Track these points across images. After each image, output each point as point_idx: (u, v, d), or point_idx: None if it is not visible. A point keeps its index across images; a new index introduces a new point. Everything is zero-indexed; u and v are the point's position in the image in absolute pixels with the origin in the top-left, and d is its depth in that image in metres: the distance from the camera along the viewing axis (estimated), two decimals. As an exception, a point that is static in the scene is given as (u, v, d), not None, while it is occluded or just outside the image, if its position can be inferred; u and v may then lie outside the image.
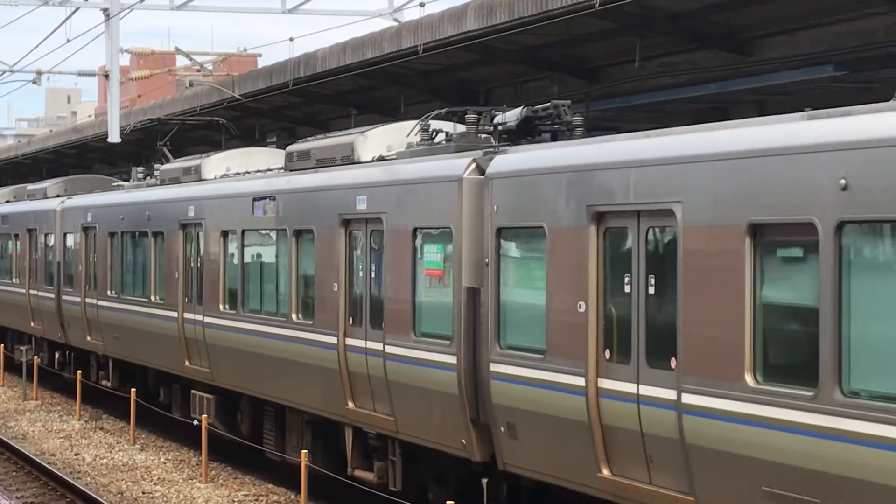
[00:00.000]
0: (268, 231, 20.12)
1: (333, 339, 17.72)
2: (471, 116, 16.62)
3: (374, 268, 16.94)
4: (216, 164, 24.24)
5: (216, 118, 28.11)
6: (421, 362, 15.72)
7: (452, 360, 15.13)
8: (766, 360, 10.99)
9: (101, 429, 27.63)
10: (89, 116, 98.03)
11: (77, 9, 31.41)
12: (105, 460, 23.89)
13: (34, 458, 23.31)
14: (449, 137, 16.99)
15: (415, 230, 16.03)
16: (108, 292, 27.56)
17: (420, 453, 16.42)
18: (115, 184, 31.51)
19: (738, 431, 11.08)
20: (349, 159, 18.44)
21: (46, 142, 46.87)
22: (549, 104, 15.91)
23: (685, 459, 11.75)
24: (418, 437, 16.03)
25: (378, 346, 16.64)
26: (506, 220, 14.47)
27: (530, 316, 14.02)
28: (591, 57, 22.71)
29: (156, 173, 27.24)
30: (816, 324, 10.37)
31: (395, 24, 26.17)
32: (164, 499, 20.43)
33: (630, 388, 12.51)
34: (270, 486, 21.25)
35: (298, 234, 18.99)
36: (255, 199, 20.41)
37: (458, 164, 15.35)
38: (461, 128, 17.05)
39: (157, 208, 25.11)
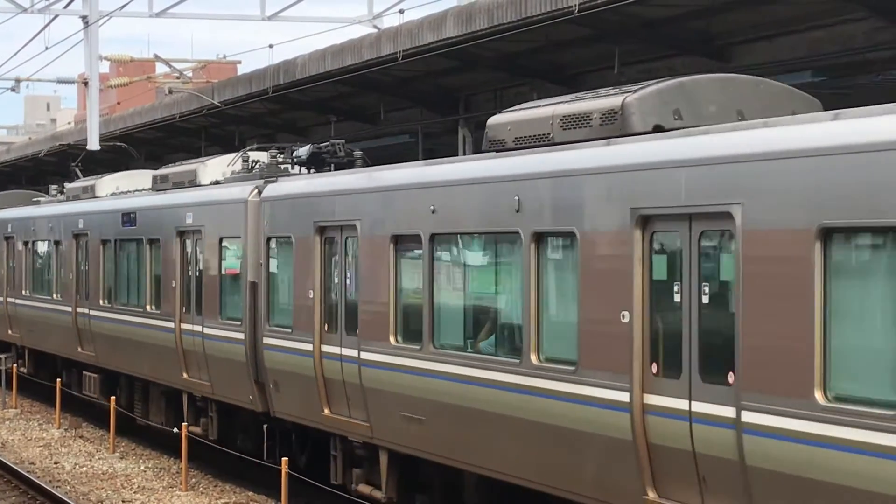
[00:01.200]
0: (132, 239, 25.10)
1: (171, 324, 22.89)
2: (273, 151, 21.51)
3: (197, 269, 22.07)
4: (108, 184, 28.87)
5: (119, 143, 32.58)
6: (224, 339, 20.77)
7: (241, 336, 20.13)
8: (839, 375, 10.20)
9: (81, 437, 27.55)
10: (69, 124, 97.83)
11: (56, 16, 31.33)
12: (85, 468, 23.82)
13: (13, 466, 23.24)
14: (252, 167, 21.67)
15: (220, 239, 21.06)
16: (24, 291, 32.67)
17: (229, 410, 21.43)
18: (35, 199, 35.10)
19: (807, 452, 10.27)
20: (193, 183, 23.30)
21: (25, 149, 46.78)
22: (328, 143, 20.34)
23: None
24: (224, 397, 21.09)
25: (198, 328, 21.76)
26: (271, 231, 19.31)
27: (287, 303, 18.80)
28: (571, 63, 22.75)
29: (64, 191, 31.53)
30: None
31: (375, 30, 26.19)
32: (145, 507, 20.39)
33: (339, 351, 17.10)
34: (251, 493, 21.21)
35: (151, 242, 24.05)
36: (122, 214, 25.51)
37: (245, 190, 20.26)
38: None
39: (56, 221, 30.10)
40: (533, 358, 13.42)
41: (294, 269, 18.43)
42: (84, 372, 28.23)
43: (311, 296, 17.85)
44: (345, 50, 23.94)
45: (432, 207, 15.15)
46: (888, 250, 9.75)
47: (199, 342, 21.63)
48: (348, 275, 17.26)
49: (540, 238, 13.43)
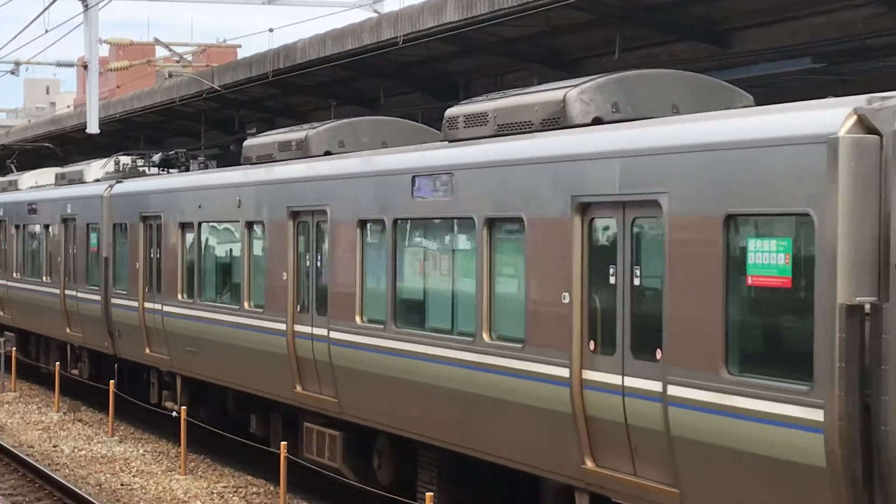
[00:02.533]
0: (35, 224, 31.83)
1: (57, 291, 29.69)
2: (135, 157, 28.77)
3: (74, 248, 28.55)
4: (28, 178, 35.26)
5: (46, 144, 37.81)
6: (89, 301, 27.34)
7: (99, 298, 26.66)
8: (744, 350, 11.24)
9: (80, 420, 27.58)
10: (68, 107, 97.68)
11: (56, -1, 31.28)
12: (84, 452, 23.85)
13: (12, 450, 23.25)
14: (122, 169, 28.47)
15: (88, 225, 27.58)
16: None
17: (98, 355, 28.15)
18: None
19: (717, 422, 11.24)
20: (81, 180, 29.72)
21: (25, 132, 46.72)
22: (174, 152, 27.47)
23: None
24: (91, 345, 27.86)
25: (74, 293, 28.47)
26: (118, 218, 26.02)
27: (124, 273, 25.47)
28: (571, 48, 22.72)
29: None
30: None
31: (375, 15, 26.15)
32: (143, 491, 20.41)
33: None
34: (249, 477, 21.24)
35: (46, 227, 30.65)
36: (27, 205, 32.37)
37: (102, 187, 26.95)
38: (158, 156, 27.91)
39: None
40: (485, 336, 14.26)
41: (129, 248, 25.28)
42: (5, 332, 34.33)
43: (138, 267, 24.63)
44: (345, 34, 23.90)
45: (238, 200, 20.68)
46: (777, 237, 10.75)
47: (75, 304, 28.29)
48: (159, 252, 23.91)
49: (491, 223, 14.30)
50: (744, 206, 10.96)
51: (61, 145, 44.51)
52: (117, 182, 26.61)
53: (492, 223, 14.31)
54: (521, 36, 22.16)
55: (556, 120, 13.99)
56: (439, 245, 15.60)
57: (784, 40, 19.29)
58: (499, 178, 14.19)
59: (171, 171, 27.02)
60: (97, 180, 28.61)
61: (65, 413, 28.56)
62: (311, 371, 18.18)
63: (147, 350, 24.24)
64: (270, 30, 49.76)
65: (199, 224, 22.06)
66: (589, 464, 12.84)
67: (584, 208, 12.89)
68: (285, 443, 18.33)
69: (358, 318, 16.94)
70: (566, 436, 13.09)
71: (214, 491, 20.35)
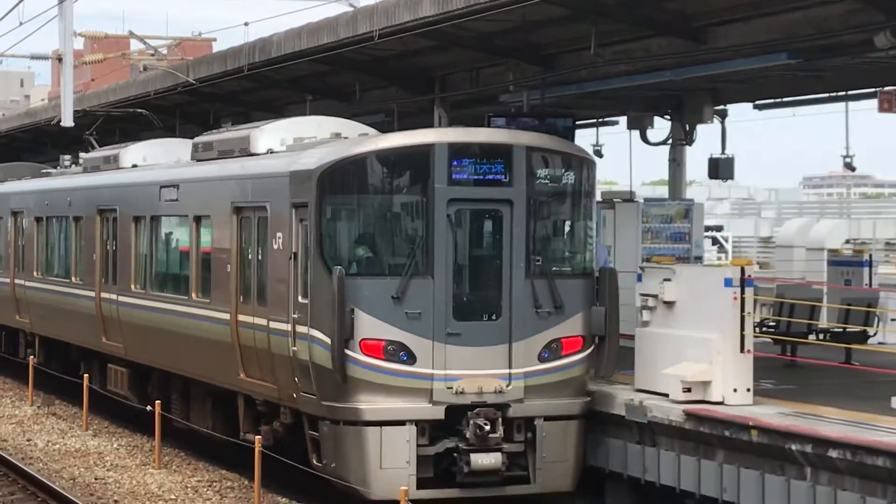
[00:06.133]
0: None
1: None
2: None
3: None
4: None
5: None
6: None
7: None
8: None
9: (54, 415, 27.50)
10: (42, 100, 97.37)
11: (30, -8, 31.14)
12: (57, 446, 23.78)
13: (-14, 443, 23.18)
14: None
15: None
16: None
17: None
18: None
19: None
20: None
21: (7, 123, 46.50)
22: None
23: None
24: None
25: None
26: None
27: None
28: (547, 43, 22.72)
29: None
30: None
31: (351, 9, 26.06)
32: (117, 485, 20.36)
33: None
34: (224, 471, 21.21)
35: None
36: None
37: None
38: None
39: None
40: (193, 296, 21.45)
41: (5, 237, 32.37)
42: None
43: (10, 252, 31.55)
44: (321, 28, 23.84)
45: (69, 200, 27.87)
46: (255, 225, 19.36)
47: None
48: (21, 241, 30.44)
49: (198, 219, 21.39)
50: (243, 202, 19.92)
51: (35, 138, 44.34)
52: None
53: (198, 219, 21.34)
54: (498, 31, 22.14)
55: (246, 150, 20.61)
56: (176, 233, 22.80)
57: (760, 36, 19.32)
58: (199, 189, 21.50)
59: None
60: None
61: (38, 407, 28.47)
62: (111, 326, 25.05)
63: (17, 317, 31.32)
64: (246, 24, 49.56)
65: (46, 218, 29.50)
66: (242, 375, 19.55)
67: (238, 209, 19.86)
68: (259, 437, 18.30)
69: (133, 286, 23.99)
70: (229, 357, 19.77)
71: (189, 485, 20.31)
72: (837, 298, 23.11)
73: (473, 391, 17.14)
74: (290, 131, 20.40)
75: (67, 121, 30.41)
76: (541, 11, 19.92)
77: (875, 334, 22.70)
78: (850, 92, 24.40)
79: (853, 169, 24.57)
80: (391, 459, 16.91)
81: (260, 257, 19.04)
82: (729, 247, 57.65)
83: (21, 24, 33.93)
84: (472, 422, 17.02)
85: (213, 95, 31.98)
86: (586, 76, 23.09)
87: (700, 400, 17.45)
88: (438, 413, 17.06)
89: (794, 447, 15.75)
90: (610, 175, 66.18)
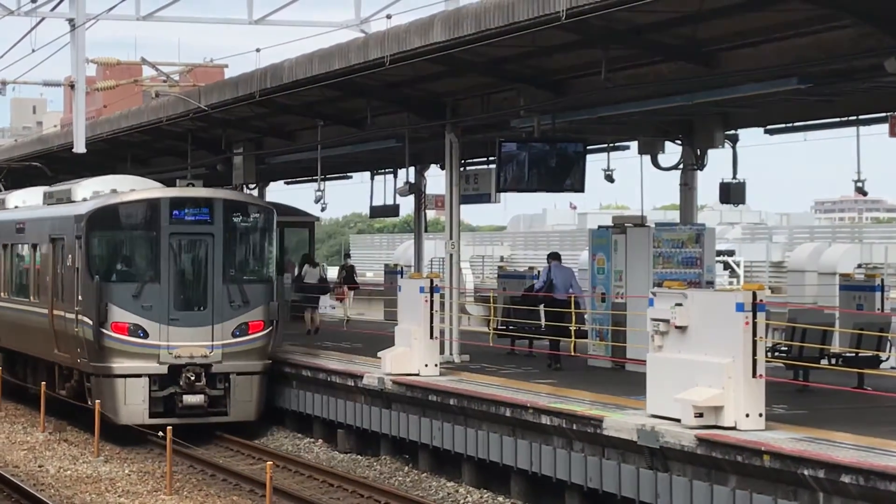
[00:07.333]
0: None
1: None
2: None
3: None
4: None
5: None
6: None
7: None
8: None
9: (66, 441, 27.47)
10: (55, 127, 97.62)
11: (42, 19, 31.24)
12: (69, 472, 23.76)
13: (-3, 469, 23.16)
14: None
15: None
16: None
17: None
18: None
19: None
20: None
21: (11, 152, 46.66)
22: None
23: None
24: None
25: None
26: None
27: None
28: (558, 69, 22.76)
29: None
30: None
31: (362, 35, 26.15)
32: (129, 511, 20.32)
33: None
34: (235, 497, 21.18)
35: None
36: None
37: None
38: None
39: None
40: (31, 298, 30.20)
41: None
42: None
43: None
44: (332, 54, 23.91)
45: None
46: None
47: None
48: None
49: (35, 246, 30.23)
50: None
51: (49, 164, 44.52)
52: None
53: (34, 246, 30.29)
54: (509, 56, 22.19)
55: (70, 198, 29.38)
56: (25, 255, 31.46)
57: (770, 61, 19.34)
58: (37, 225, 30.20)
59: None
60: None
61: (50, 433, 28.46)
62: None
63: None
64: (258, 50, 49.64)
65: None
66: (56, 351, 28.33)
67: (53, 239, 28.66)
68: (270, 463, 18.28)
69: (2, 293, 32.92)
70: (49, 340, 28.58)
71: (200, 511, 20.26)
72: (850, 323, 23.06)
73: (187, 356, 26.12)
74: (104, 185, 28.87)
75: (80, 147, 30.50)
76: (551, 37, 19.96)
77: (888, 359, 22.62)
78: (861, 116, 24.37)
79: (865, 193, 24.51)
80: (132, 399, 26.02)
81: (62, 271, 28.13)
82: (741, 271, 57.58)
83: (34, 51, 34.02)
84: (184, 375, 25.99)
85: (225, 121, 32.08)
86: (597, 101, 23.11)
87: (712, 425, 17.41)
88: (163, 370, 26.10)
89: (806, 472, 15.70)
90: (621, 200, 66.27)
